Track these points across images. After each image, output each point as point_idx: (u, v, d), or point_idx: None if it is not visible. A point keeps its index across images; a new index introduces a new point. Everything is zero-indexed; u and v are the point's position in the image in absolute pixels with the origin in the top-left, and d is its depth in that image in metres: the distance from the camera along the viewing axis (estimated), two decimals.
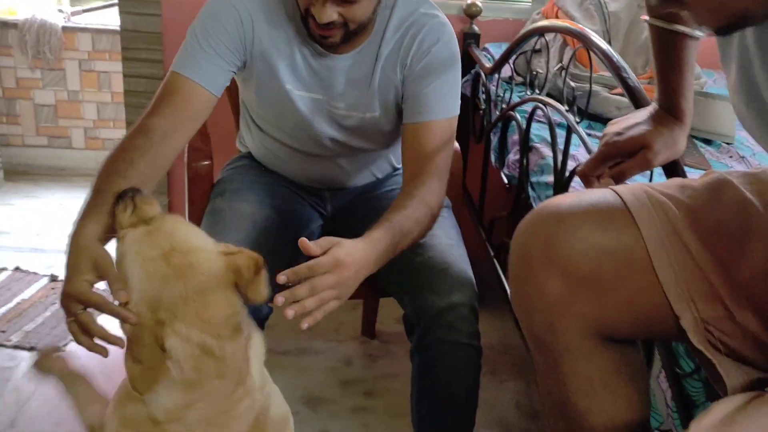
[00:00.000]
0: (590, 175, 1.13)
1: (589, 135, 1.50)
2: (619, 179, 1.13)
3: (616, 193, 0.99)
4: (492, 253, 1.95)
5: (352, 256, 1.25)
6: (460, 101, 1.51)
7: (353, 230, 1.42)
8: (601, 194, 1.00)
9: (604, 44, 1.37)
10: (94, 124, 3.42)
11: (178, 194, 2.48)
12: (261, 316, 1.45)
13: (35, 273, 2.60)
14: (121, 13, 2.26)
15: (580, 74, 1.89)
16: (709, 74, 2.30)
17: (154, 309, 0.98)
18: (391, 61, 1.50)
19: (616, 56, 1.31)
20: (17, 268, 2.61)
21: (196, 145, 1.80)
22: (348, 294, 1.28)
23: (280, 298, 1.15)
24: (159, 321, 0.97)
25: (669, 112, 1.12)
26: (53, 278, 2.58)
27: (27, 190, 3.26)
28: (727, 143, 1.84)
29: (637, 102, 1.21)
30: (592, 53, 1.39)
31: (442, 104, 1.48)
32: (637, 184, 1.03)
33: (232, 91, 1.99)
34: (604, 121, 1.77)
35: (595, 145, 1.49)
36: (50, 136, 3.42)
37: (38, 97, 3.36)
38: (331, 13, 1.35)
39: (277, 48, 1.50)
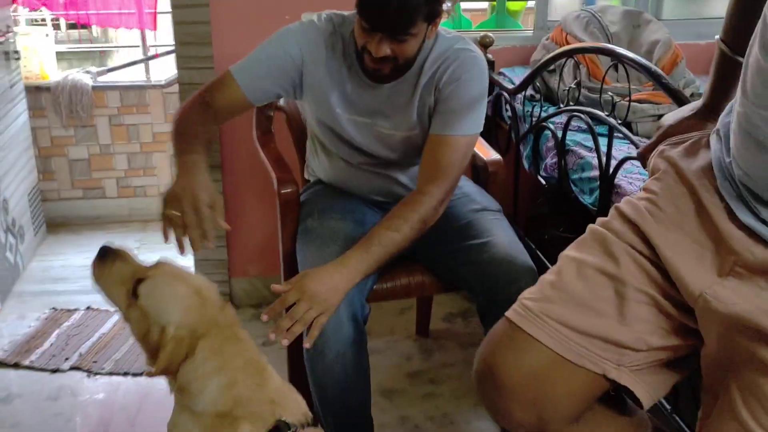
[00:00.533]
0: (647, 155, 1.36)
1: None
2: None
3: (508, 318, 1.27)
4: (533, 246, 2.27)
5: (318, 279, 1.61)
6: (481, 126, 1.79)
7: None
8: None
9: (638, 57, 1.70)
10: (126, 173, 3.67)
11: (234, 225, 2.75)
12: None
13: (106, 310, 2.83)
14: (179, 69, 2.55)
15: (594, 86, 2.22)
16: (705, 80, 2.67)
17: (194, 329, 1.28)
18: (428, 88, 1.78)
19: (653, 66, 1.64)
20: (89, 308, 2.85)
21: (280, 175, 2.08)
22: (331, 308, 1.63)
23: (272, 335, 1.56)
24: (196, 336, 1.28)
25: (713, 112, 1.30)
26: None
27: (70, 241, 3.49)
28: None
29: (677, 99, 1.52)
30: (624, 65, 1.72)
31: (465, 122, 1.76)
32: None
33: (294, 129, 2.30)
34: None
35: (623, 145, 1.82)
36: (85, 188, 3.66)
37: (72, 153, 3.60)
38: (385, 49, 1.64)
39: (330, 79, 1.79)
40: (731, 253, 1.09)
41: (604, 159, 1.82)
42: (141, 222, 3.68)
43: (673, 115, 1.37)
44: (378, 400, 2.29)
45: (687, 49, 2.79)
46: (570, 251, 1.26)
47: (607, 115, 1.85)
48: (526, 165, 2.31)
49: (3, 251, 2.89)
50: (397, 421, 2.21)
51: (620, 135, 1.83)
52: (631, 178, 1.75)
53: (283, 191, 2.03)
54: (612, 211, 1.26)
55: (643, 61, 1.67)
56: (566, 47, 2.07)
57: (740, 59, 1.15)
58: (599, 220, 1.27)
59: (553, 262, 1.31)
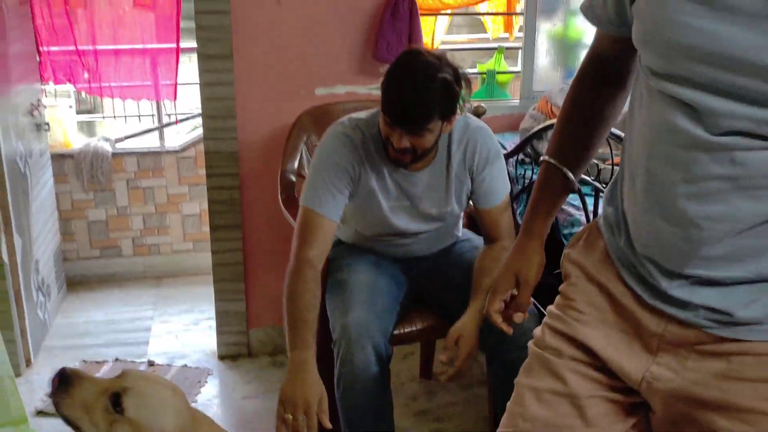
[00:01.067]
0: (493, 313, 1.45)
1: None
2: (520, 308, 1.45)
3: None
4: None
5: (472, 338, 1.96)
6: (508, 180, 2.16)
7: (432, 283, 2.18)
8: None
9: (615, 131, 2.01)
10: (141, 233, 3.92)
11: (252, 279, 3.00)
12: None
13: (132, 361, 3.06)
14: (205, 140, 2.83)
15: None
16: None
17: (186, 428, 1.26)
18: (461, 170, 2.10)
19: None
20: (117, 359, 3.07)
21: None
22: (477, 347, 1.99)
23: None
24: None
25: (527, 232, 1.43)
26: (150, 363, 3.04)
27: (90, 298, 3.71)
28: None
29: None
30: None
31: (502, 187, 2.14)
32: None
33: None
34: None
35: None
36: (102, 248, 3.90)
37: (91, 215, 3.84)
38: (405, 142, 1.93)
39: (375, 178, 2.07)
40: (652, 335, 1.17)
41: (591, 216, 2.11)
42: (155, 278, 3.92)
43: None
44: None
45: None
46: (523, 379, 1.35)
47: (593, 180, 2.15)
48: (520, 221, 2.60)
49: (35, 309, 3.11)
50: None
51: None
52: None
53: None
54: (543, 326, 1.35)
55: (616, 131, 1.97)
56: (550, 121, 2.39)
57: (569, 173, 1.35)
58: (536, 339, 1.36)
59: (545, 305, 1.50)
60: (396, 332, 2.14)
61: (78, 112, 4.04)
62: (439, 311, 2.22)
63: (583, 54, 1.40)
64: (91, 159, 3.71)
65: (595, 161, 2.32)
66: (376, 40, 2.73)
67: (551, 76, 3.14)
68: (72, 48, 3.53)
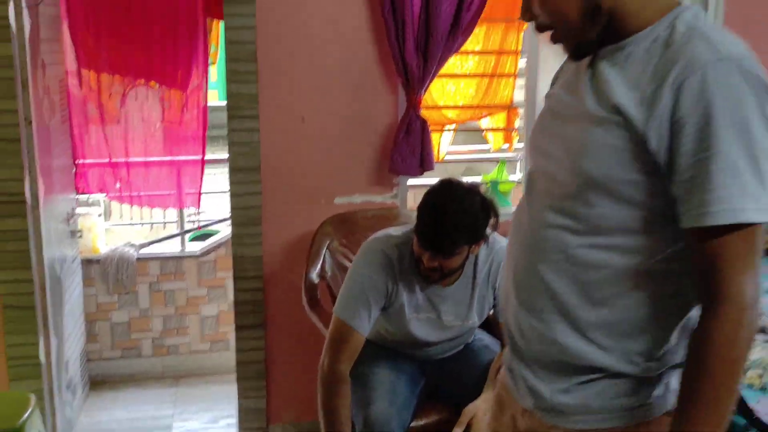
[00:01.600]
0: None
1: None
2: None
3: None
4: None
5: (482, 410, 2.12)
6: None
7: (447, 380, 2.35)
8: None
9: None
10: (161, 334, 4.09)
11: (273, 377, 3.16)
12: None
13: None
14: (233, 245, 3.06)
15: None
16: None
17: None
18: (485, 286, 2.27)
19: None
20: None
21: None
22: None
23: None
24: None
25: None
26: None
27: (111, 397, 3.85)
28: None
29: None
30: None
31: None
32: None
33: (333, 296, 2.78)
34: None
35: None
36: (123, 348, 4.06)
37: (114, 317, 4.03)
38: (434, 262, 2.12)
39: (407, 287, 2.23)
40: None
41: None
42: (173, 378, 4.06)
43: None
44: None
45: None
46: None
47: None
48: None
49: (64, 408, 3.25)
50: None
51: None
52: None
53: None
54: None
55: None
56: None
57: None
58: None
59: None
60: (413, 425, 2.30)
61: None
62: (452, 406, 2.38)
63: None
64: (117, 263, 3.93)
65: None
66: (392, 155, 3.00)
67: None
68: (106, 160, 3.81)
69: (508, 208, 3.49)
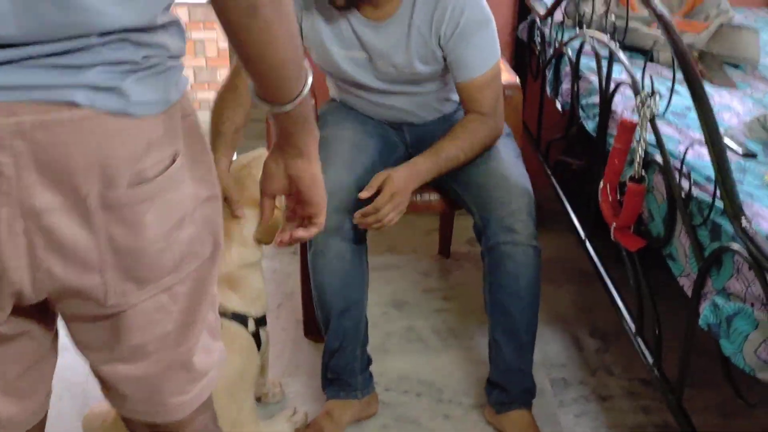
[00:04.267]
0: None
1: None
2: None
3: None
4: (549, 172, 2.29)
5: (400, 181, 1.73)
6: (498, 48, 1.83)
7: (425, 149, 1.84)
8: None
9: None
10: (192, 87, 3.86)
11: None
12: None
13: None
14: None
15: (623, 14, 2.18)
16: (741, 11, 2.57)
17: None
18: (425, 30, 1.79)
19: None
20: None
21: None
22: (404, 206, 1.76)
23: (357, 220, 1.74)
24: None
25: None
26: None
27: None
28: (753, 66, 2.13)
29: (668, 30, 1.49)
30: None
31: (482, 59, 1.80)
32: None
33: None
34: (643, 52, 2.06)
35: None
36: None
37: None
38: None
39: (324, 20, 1.83)
40: None
41: (605, 83, 1.82)
42: None
43: None
44: (389, 310, 2.41)
45: None
46: None
47: (609, 39, 1.83)
48: (548, 90, 2.32)
49: None
50: (403, 330, 2.32)
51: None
52: (626, 105, 1.75)
53: None
54: None
55: None
56: None
57: None
58: None
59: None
60: None
61: None
62: (434, 185, 2.00)
63: None
64: None
65: (639, 23, 1.98)
66: None
67: None
68: None
69: None
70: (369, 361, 1.94)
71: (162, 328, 0.92)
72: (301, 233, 1.16)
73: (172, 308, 0.92)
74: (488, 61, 1.82)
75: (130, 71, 0.79)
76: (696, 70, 1.37)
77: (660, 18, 1.50)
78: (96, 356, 0.95)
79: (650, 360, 1.55)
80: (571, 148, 2.30)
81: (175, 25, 0.85)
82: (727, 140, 1.59)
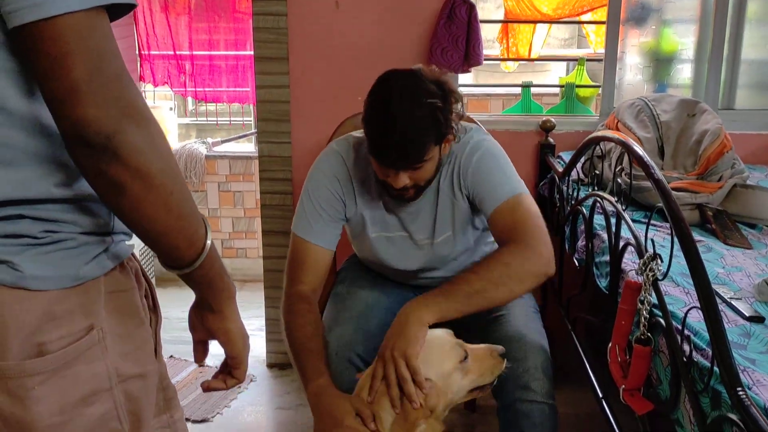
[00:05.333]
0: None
1: (642, 222, 1.86)
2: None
3: None
4: (569, 327, 2.29)
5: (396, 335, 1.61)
6: (519, 181, 1.81)
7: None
8: None
9: (639, 150, 1.75)
10: (230, 235, 3.99)
11: None
12: None
13: (186, 360, 3.09)
14: (259, 143, 2.81)
15: (639, 174, 2.25)
16: (762, 170, 2.61)
17: None
18: (448, 189, 1.84)
19: (647, 158, 1.68)
20: (171, 356, 3.11)
21: None
22: (416, 351, 1.60)
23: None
24: None
25: None
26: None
27: (174, 293, 3.81)
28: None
29: (662, 191, 1.55)
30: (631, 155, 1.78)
31: (502, 188, 1.78)
32: None
33: None
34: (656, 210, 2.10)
35: (640, 230, 1.83)
36: None
37: None
38: (404, 180, 1.71)
39: (363, 203, 1.89)
40: None
41: (614, 240, 1.85)
42: (240, 281, 3.95)
43: None
44: None
45: (761, 138, 2.75)
46: None
47: (616, 201, 1.89)
48: (566, 246, 2.36)
49: None
50: None
51: (654, 222, 1.88)
52: (633, 265, 1.77)
53: None
54: None
55: (640, 152, 1.72)
56: (593, 135, 2.15)
57: None
58: None
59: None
60: None
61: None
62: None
63: (677, 68, 1.20)
64: (185, 160, 3.83)
65: (631, 181, 2.04)
66: (431, 46, 2.59)
67: (639, 92, 2.84)
68: (171, 53, 3.67)
69: (585, 116, 2.96)
70: None
71: None
72: (215, 384, 1.15)
73: None
74: (509, 189, 1.78)
75: (29, 245, 0.80)
76: (692, 236, 1.40)
77: (657, 183, 1.55)
78: None
79: None
80: (592, 304, 2.30)
81: (90, 200, 0.85)
82: (735, 302, 1.59)
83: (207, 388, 1.17)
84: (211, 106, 4.06)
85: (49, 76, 0.75)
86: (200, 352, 1.14)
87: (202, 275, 0.97)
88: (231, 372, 1.13)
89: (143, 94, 3.69)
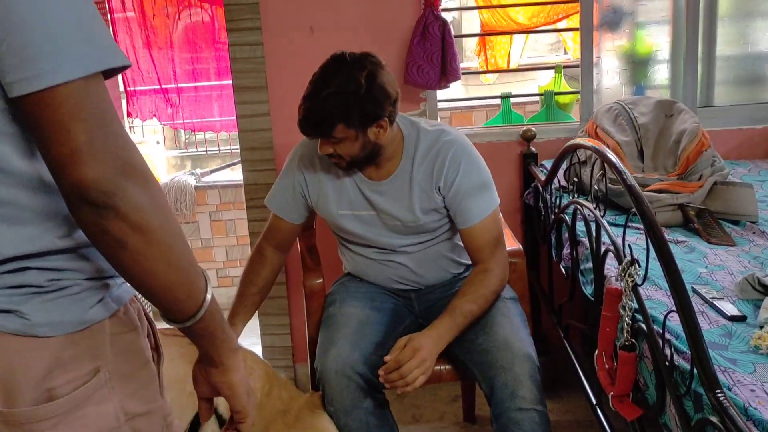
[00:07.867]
0: None
1: (620, 225, 1.87)
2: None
3: None
4: (561, 334, 2.29)
5: (423, 342, 1.77)
6: (495, 194, 1.98)
7: (435, 316, 1.90)
8: None
9: (611, 156, 1.76)
10: (224, 264, 4.00)
11: (297, 313, 2.94)
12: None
13: None
14: (244, 171, 2.83)
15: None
16: (744, 165, 2.62)
17: None
18: (427, 184, 1.96)
19: (619, 164, 1.70)
20: None
21: (310, 266, 2.27)
22: (429, 366, 1.76)
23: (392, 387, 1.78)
24: None
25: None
26: None
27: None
28: (752, 222, 2.15)
29: (635, 195, 1.56)
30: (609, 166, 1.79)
31: (482, 205, 1.95)
32: None
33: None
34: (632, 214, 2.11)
35: (617, 232, 1.84)
36: None
37: None
38: (326, 149, 1.88)
39: (330, 186, 2.02)
40: None
41: (596, 246, 1.86)
42: None
43: None
44: None
45: (741, 134, 2.76)
46: None
47: (595, 207, 1.90)
48: (553, 254, 2.36)
49: None
50: None
51: (632, 226, 1.90)
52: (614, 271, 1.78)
53: (307, 283, 2.22)
54: None
55: (614, 158, 1.74)
56: (569, 143, 2.16)
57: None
58: None
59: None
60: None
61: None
62: (445, 355, 2.02)
63: (653, 69, 1.23)
64: (175, 192, 3.85)
65: (613, 186, 2.06)
66: (407, 64, 2.61)
67: (618, 95, 2.85)
68: (156, 87, 3.69)
69: (565, 123, 2.98)
70: None
71: None
72: None
73: None
74: (488, 207, 1.96)
75: (35, 294, 0.83)
76: (665, 239, 1.41)
77: (630, 189, 1.56)
78: None
79: None
80: (581, 311, 2.31)
81: (91, 247, 0.87)
82: (717, 302, 1.60)
83: None
84: (206, 135, 4.07)
85: (51, 141, 0.78)
86: (205, 410, 1.16)
87: (203, 328, 0.99)
88: (237, 427, 1.14)
89: (131, 129, 3.71)
